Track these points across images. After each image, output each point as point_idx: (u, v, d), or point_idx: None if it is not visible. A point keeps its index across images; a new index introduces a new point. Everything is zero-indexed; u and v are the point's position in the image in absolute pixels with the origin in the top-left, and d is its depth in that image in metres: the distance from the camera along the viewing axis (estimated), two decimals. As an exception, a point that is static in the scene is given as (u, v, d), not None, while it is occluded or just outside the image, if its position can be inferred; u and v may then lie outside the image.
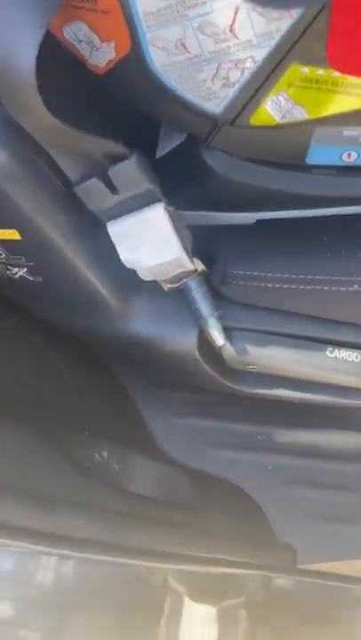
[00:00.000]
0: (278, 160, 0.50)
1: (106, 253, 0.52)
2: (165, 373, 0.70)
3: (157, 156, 0.54)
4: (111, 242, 0.51)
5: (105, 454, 0.59)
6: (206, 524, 0.60)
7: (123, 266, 0.53)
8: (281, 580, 0.77)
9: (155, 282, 0.54)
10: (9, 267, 0.53)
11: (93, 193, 0.47)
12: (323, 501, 0.73)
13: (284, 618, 0.84)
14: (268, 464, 0.75)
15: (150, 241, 0.49)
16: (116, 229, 0.49)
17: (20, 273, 0.53)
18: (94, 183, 0.46)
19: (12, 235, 0.48)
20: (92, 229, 0.51)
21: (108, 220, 0.49)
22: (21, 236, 0.48)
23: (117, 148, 0.44)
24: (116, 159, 0.45)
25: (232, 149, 0.50)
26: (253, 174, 0.51)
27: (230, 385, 0.64)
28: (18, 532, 0.41)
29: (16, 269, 0.53)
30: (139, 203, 0.48)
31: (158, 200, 0.48)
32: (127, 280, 0.56)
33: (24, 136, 0.42)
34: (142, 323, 0.58)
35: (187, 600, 0.86)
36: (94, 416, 0.62)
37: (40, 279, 0.54)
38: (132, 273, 0.54)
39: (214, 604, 0.87)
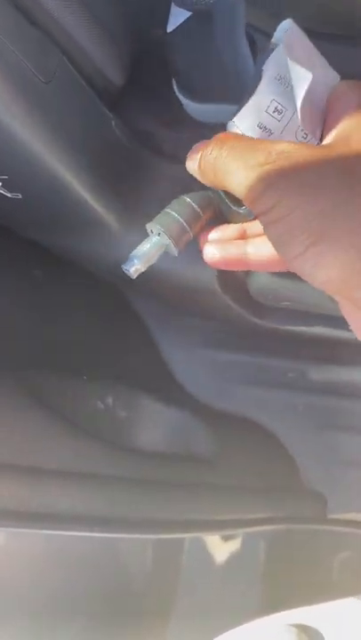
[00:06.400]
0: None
1: (98, 158, 0.40)
2: (183, 303, 0.60)
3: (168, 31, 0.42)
4: (105, 145, 0.39)
5: (110, 401, 0.51)
6: (225, 477, 0.52)
7: (124, 175, 0.42)
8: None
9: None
10: (-21, 180, 0.42)
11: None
12: (358, 447, 0.66)
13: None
14: (299, 404, 0.67)
15: None
16: None
17: (-5, 188, 0.43)
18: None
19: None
20: (77, 129, 0.39)
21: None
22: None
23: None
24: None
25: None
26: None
27: (256, 321, 0.54)
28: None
29: (-12, 183, 0.42)
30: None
31: None
32: (129, 194, 0.45)
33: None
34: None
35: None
36: (97, 354, 0.54)
37: (19, 195, 0.43)
38: (134, 184, 0.43)
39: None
